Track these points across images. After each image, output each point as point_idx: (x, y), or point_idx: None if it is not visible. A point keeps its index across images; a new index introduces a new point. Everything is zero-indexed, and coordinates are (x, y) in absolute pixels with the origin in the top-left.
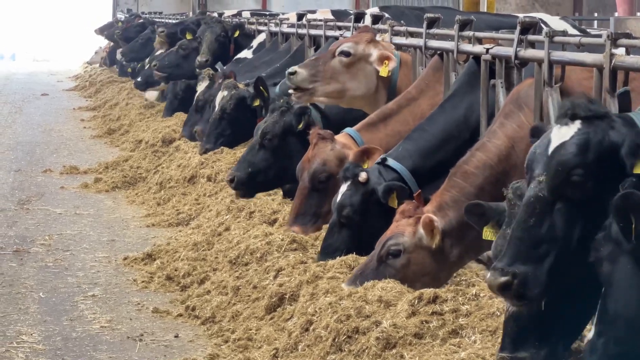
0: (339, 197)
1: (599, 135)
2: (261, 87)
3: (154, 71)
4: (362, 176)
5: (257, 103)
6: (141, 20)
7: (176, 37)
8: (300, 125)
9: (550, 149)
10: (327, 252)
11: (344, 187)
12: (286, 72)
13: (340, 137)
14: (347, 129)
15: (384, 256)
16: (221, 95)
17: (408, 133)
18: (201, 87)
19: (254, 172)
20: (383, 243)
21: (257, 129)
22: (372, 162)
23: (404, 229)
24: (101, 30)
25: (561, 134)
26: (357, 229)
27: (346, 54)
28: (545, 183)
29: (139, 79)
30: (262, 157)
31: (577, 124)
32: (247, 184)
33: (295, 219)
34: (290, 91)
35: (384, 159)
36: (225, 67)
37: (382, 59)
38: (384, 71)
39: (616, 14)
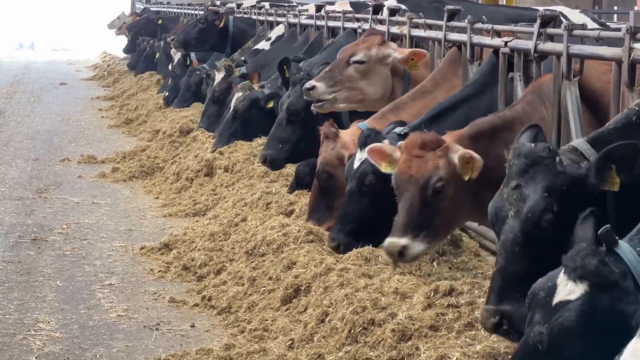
0: (356, 165)
1: (605, 305)
2: (285, 67)
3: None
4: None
5: (270, 105)
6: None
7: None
8: None
9: (554, 301)
10: (346, 220)
11: (362, 155)
12: (303, 88)
13: (349, 132)
14: (358, 123)
15: (430, 196)
16: (236, 97)
17: None
18: (218, 77)
19: (285, 147)
20: (425, 181)
21: (281, 104)
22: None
23: (437, 162)
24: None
25: (567, 290)
26: (378, 196)
27: (360, 62)
28: (546, 336)
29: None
30: (290, 131)
31: (585, 286)
32: (280, 160)
33: (310, 215)
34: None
35: (406, 134)
36: (243, 59)
37: (409, 59)
38: (413, 66)
39: (636, 8)
